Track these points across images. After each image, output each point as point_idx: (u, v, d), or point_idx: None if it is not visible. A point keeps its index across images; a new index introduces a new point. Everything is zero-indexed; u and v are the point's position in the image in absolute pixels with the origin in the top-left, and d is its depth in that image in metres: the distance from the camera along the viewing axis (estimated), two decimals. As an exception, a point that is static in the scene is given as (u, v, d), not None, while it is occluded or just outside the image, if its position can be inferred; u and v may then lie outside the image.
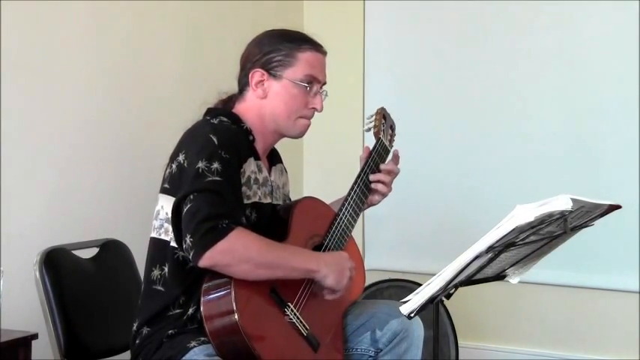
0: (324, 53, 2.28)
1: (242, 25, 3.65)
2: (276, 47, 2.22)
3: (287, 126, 2.25)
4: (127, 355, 2.25)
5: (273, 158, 2.35)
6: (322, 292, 2.17)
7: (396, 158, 2.45)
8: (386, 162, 2.44)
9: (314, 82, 2.24)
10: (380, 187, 2.39)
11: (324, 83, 2.28)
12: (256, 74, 2.22)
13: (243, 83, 2.26)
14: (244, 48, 2.29)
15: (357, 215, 2.34)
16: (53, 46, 2.80)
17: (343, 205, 2.33)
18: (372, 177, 2.38)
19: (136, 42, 3.14)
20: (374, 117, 2.49)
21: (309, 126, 2.28)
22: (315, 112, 2.28)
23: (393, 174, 2.41)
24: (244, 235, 1.99)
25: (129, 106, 3.10)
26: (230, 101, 2.28)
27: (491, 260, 1.89)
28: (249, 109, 2.24)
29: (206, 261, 1.96)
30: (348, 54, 3.96)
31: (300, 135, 2.29)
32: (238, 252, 1.97)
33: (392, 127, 2.55)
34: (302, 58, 2.22)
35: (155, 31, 3.23)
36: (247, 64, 2.25)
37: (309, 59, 2.23)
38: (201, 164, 2.03)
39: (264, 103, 2.23)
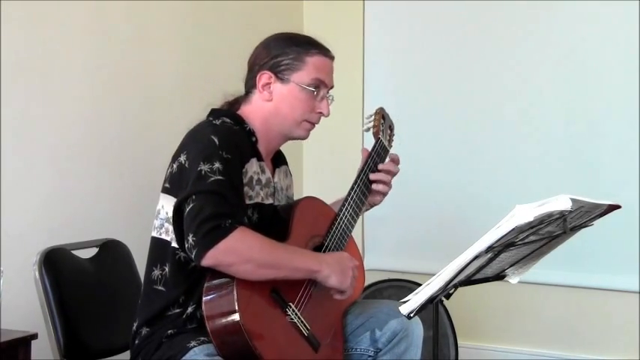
0: (332, 58, 2.28)
1: (242, 25, 3.66)
2: (284, 50, 2.22)
3: (291, 129, 2.25)
4: (127, 355, 2.25)
5: (278, 160, 2.35)
6: (330, 292, 2.17)
7: (395, 160, 2.45)
8: (385, 162, 2.44)
9: (321, 86, 2.24)
10: (380, 187, 2.40)
11: (331, 87, 2.28)
12: (264, 77, 2.22)
13: (250, 85, 2.26)
14: (252, 50, 2.29)
15: (357, 215, 2.34)
16: (53, 46, 2.81)
17: (343, 205, 2.33)
18: (372, 176, 2.38)
19: (136, 42, 3.14)
20: (373, 117, 2.49)
21: (313, 128, 2.29)
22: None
23: (392, 173, 2.42)
24: (247, 234, 2.00)
25: (129, 106, 3.10)
26: (236, 103, 2.28)
27: (490, 260, 1.89)
28: (254, 110, 2.24)
29: (209, 260, 1.96)
30: (348, 54, 3.95)
31: (303, 137, 2.30)
32: (241, 251, 1.98)
33: (391, 128, 2.55)
34: (310, 62, 2.22)
35: (155, 31, 3.23)
36: (255, 67, 2.25)
37: (317, 63, 2.23)
38: (203, 166, 2.03)
39: (270, 105, 2.23)
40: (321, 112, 2.26)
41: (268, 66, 2.22)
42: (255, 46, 2.30)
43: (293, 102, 2.22)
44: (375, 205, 2.45)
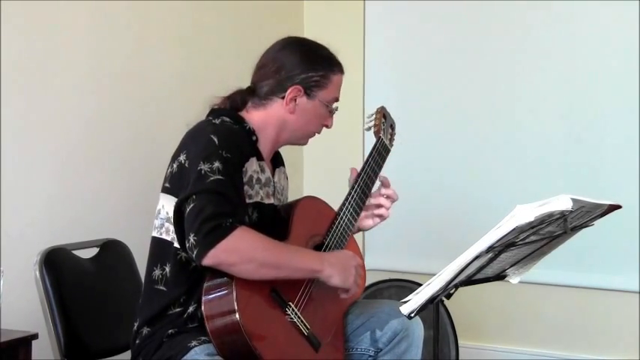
0: (343, 73, 2.31)
1: (242, 25, 3.66)
2: (315, 67, 2.23)
3: (300, 138, 2.32)
4: (128, 354, 2.25)
5: (276, 161, 2.36)
6: (330, 292, 2.17)
7: (387, 183, 2.41)
8: (378, 187, 2.40)
9: (335, 103, 2.30)
10: (383, 210, 2.38)
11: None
12: (294, 90, 2.22)
13: (272, 92, 2.24)
14: (271, 51, 2.27)
15: (358, 215, 2.34)
16: (53, 46, 2.80)
17: (344, 204, 2.32)
18: (374, 201, 2.37)
19: (136, 42, 3.14)
20: (374, 116, 2.49)
21: (313, 136, 2.35)
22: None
23: (393, 199, 2.39)
24: (248, 234, 2.00)
25: (129, 106, 3.10)
26: (242, 101, 2.26)
27: (491, 260, 1.89)
28: (269, 117, 2.24)
29: (210, 260, 1.96)
30: (349, 54, 3.91)
31: (304, 144, 2.38)
32: (243, 251, 1.98)
33: (392, 127, 2.55)
34: (334, 80, 2.27)
35: (155, 31, 3.23)
36: (281, 73, 2.23)
37: (337, 82, 2.28)
38: (203, 165, 2.03)
39: (290, 117, 2.24)
40: (326, 125, 2.32)
41: (299, 80, 2.22)
42: (267, 47, 2.29)
43: (312, 117, 2.26)
44: (364, 230, 2.42)
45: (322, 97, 2.25)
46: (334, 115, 2.32)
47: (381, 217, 2.39)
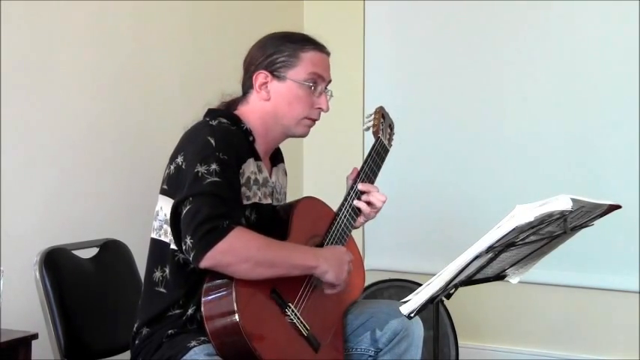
0: (328, 53, 2.27)
1: (242, 25, 3.66)
2: (279, 48, 2.21)
3: (291, 127, 2.25)
4: (128, 354, 2.25)
5: (275, 158, 2.35)
6: (322, 286, 2.17)
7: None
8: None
9: (318, 80, 2.23)
10: (370, 209, 2.35)
11: (329, 82, 2.27)
12: (260, 76, 2.21)
13: (247, 86, 2.25)
14: (247, 51, 2.29)
15: (357, 215, 2.34)
16: (54, 46, 2.80)
17: (343, 205, 2.32)
18: (362, 199, 2.34)
19: (137, 42, 3.14)
20: (373, 116, 2.49)
21: (313, 125, 2.28)
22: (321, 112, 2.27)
23: (381, 201, 2.35)
24: (244, 234, 1.99)
25: (129, 107, 3.10)
26: (233, 104, 2.27)
27: (491, 260, 1.89)
28: (252, 111, 2.23)
29: (207, 262, 1.95)
30: (348, 54, 3.96)
31: (304, 135, 2.29)
32: (238, 251, 1.97)
33: (391, 127, 2.55)
34: (305, 57, 2.21)
35: (155, 31, 3.23)
36: (251, 67, 2.24)
37: (313, 58, 2.22)
38: (199, 167, 2.03)
39: (268, 104, 2.22)
40: (320, 108, 2.25)
41: (264, 65, 2.21)
42: (250, 47, 2.30)
43: (291, 99, 2.21)
44: (356, 227, 2.39)
45: (293, 76, 2.20)
46: (328, 98, 2.25)
47: (368, 216, 2.36)
